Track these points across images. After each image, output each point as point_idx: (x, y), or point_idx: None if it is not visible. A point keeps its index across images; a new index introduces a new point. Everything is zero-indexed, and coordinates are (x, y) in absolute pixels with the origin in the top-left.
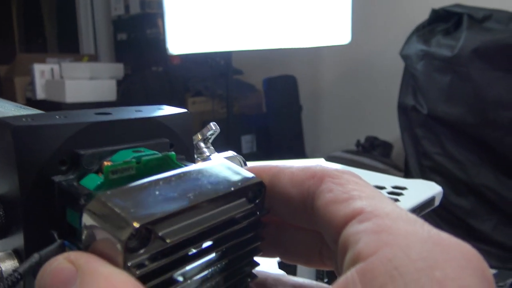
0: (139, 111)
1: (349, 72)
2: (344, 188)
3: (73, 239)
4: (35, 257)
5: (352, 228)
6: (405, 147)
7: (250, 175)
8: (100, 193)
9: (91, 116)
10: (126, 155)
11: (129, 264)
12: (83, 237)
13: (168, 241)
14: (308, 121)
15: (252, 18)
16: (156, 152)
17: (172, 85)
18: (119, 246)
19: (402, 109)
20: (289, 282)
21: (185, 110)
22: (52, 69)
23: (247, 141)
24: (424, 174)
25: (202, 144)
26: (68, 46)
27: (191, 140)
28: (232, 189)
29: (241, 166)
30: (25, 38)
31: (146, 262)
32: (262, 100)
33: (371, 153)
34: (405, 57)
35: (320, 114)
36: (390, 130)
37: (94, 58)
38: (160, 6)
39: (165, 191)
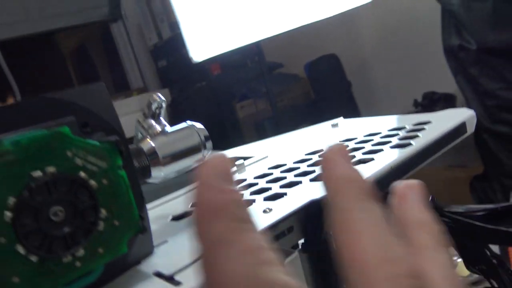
0: None
1: (388, 33)
2: None
3: None
4: None
5: None
6: (463, 92)
7: None
8: None
9: None
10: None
11: None
12: None
13: None
14: (360, 95)
15: (268, 2)
16: (43, 130)
17: (218, 96)
18: None
19: (449, 51)
20: None
21: (98, 82)
22: None
23: None
24: (492, 114)
25: (151, 121)
26: (121, 86)
27: (112, 114)
28: None
29: (199, 139)
30: None
31: None
32: (308, 87)
33: (433, 109)
34: None
35: (370, 85)
36: (448, 81)
37: (143, 90)
38: None
39: None
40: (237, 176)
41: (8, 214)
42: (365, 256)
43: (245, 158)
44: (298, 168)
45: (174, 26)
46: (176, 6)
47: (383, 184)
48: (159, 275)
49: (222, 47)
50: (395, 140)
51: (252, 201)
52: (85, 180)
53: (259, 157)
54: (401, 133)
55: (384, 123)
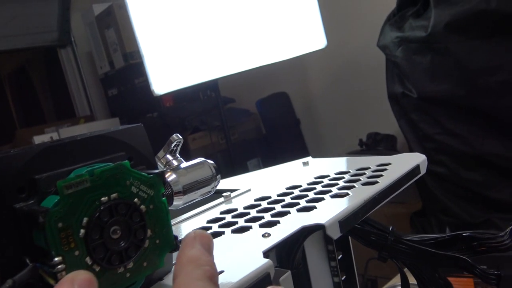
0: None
1: (336, 76)
2: None
3: (44, 259)
4: (9, 282)
5: None
6: (405, 135)
7: None
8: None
9: (45, 144)
10: (80, 172)
11: None
12: None
13: None
14: (308, 132)
15: (229, 43)
16: (110, 164)
17: (169, 127)
18: None
19: (393, 98)
20: None
21: (138, 124)
22: (51, 138)
23: (253, 165)
24: (430, 156)
25: (169, 157)
26: (65, 112)
27: (149, 150)
28: None
29: (212, 172)
30: (23, 114)
31: None
32: (259, 122)
33: (376, 149)
34: (383, 47)
35: (318, 124)
36: (389, 123)
37: (90, 118)
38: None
39: None
40: (227, 207)
41: (82, 231)
42: None
43: (231, 191)
44: (283, 200)
45: (127, 56)
46: (140, 39)
47: (358, 215)
48: None
49: (183, 82)
50: (364, 179)
51: (249, 227)
52: (137, 205)
53: (243, 189)
54: (368, 173)
55: (350, 163)
